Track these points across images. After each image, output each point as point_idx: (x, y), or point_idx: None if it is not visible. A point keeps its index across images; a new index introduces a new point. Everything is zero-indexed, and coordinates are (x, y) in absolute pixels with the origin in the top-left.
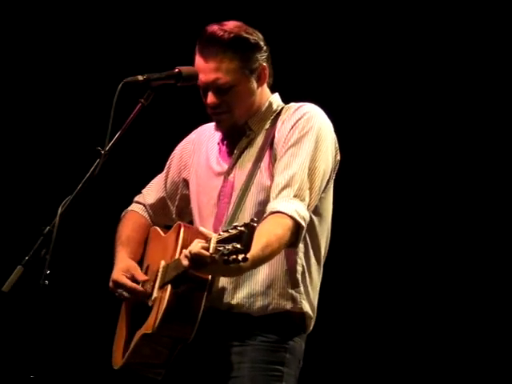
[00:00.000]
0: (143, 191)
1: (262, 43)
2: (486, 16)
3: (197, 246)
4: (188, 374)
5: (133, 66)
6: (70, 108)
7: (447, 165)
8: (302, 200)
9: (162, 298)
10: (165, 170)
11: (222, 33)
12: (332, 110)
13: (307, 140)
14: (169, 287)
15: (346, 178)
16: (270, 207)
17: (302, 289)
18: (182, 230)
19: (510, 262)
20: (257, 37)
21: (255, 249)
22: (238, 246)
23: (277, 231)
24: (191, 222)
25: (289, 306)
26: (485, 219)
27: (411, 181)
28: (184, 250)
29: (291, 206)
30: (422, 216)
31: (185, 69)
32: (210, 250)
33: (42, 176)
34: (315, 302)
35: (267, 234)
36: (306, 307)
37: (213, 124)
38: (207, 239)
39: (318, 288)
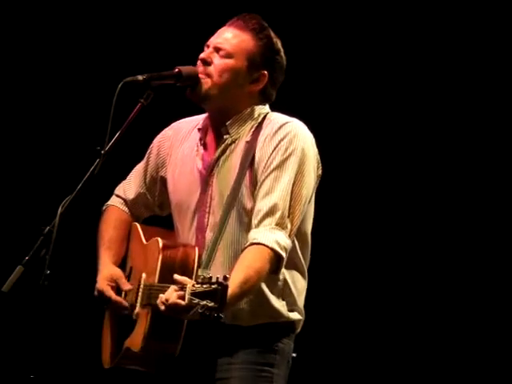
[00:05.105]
0: (123, 184)
1: (281, 60)
2: (484, 16)
3: (173, 295)
4: (178, 377)
5: (133, 66)
6: (70, 108)
7: (436, 166)
8: (284, 228)
9: (144, 317)
10: (143, 163)
11: (256, 20)
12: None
13: (290, 163)
14: (150, 309)
15: (336, 181)
16: (251, 237)
17: (288, 300)
18: (161, 249)
19: (507, 258)
20: (282, 54)
21: (233, 286)
22: (212, 304)
23: (256, 265)
24: (171, 215)
25: (277, 319)
26: (478, 219)
27: (401, 181)
28: (161, 296)
29: (272, 236)
30: (411, 212)
31: (185, 69)
32: (186, 301)
33: (42, 176)
34: (302, 305)
35: (246, 269)
36: (294, 315)
37: (188, 120)
38: (183, 286)
39: (304, 293)
